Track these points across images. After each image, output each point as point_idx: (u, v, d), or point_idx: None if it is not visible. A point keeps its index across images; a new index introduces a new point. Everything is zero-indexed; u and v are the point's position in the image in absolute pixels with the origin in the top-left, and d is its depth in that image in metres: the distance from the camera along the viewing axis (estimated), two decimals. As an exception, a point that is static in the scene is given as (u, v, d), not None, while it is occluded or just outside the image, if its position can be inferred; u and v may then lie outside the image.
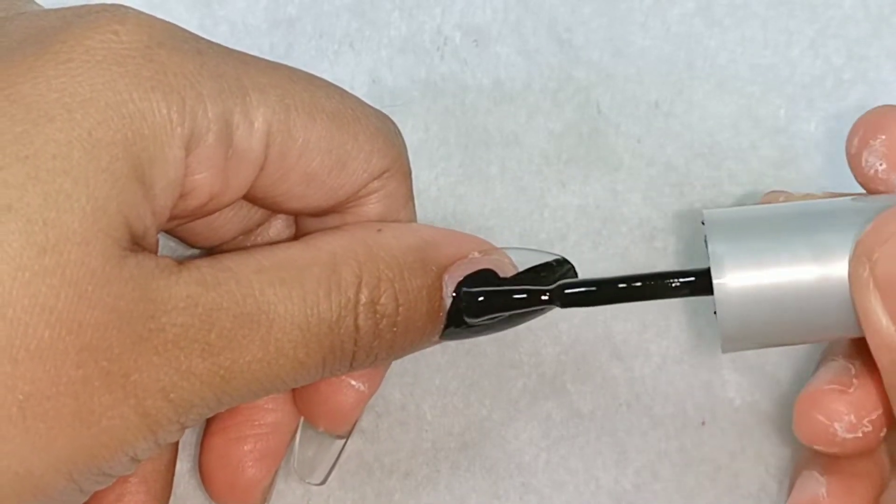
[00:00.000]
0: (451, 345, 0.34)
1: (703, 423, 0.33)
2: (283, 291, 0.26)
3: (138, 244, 0.25)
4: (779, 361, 0.34)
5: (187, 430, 0.33)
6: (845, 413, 0.27)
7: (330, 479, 0.33)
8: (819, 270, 0.26)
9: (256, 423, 0.31)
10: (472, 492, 0.33)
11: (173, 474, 0.32)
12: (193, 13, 0.36)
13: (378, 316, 0.27)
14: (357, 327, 0.26)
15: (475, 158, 0.35)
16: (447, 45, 0.36)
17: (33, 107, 0.23)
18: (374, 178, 0.29)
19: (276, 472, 0.31)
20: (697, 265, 0.33)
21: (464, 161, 0.35)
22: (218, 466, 0.31)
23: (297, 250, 0.27)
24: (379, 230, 0.28)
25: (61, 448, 0.23)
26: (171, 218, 0.27)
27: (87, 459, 0.24)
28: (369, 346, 0.27)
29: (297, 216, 0.31)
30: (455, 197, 0.35)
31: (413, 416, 0.34)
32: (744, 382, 0.33)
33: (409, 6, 0.36)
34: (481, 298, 0.28)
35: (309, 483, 0.32)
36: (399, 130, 0.30)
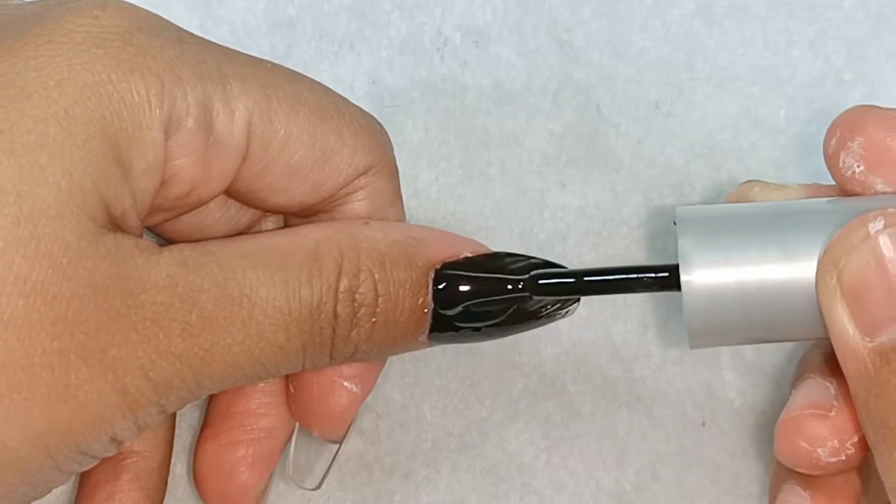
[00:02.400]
0: (451, 345, 0.34)
1: (704, 424, 0.33)
2: (265, 275, 0.26)
3: (119, 227, 0.25)
4: (779, 362, 0.34)
5: (186, 434, 0.33)
6: (828, 438, 0.27)
7: (330, 480, 0.33)
8: (788, 270, 0.26)
9: (249, 427, 0.31)
10: (472, 492, 0.33)
11: (167, 473, 0.31)
12: (193, 13, 0.36)
13: (356, 305, 0.26)
14: (335, 314, 0.26)
15: (475, 159, 0.35)
16: (447, 46, 0.36)
17: (10, 84, 0.24)
18: (360, 175, 0.29)
19: (269, 477, 0.31)
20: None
21: (464, 162, 0.35)
22: (211, 472, 0.31)
23: (281, 237, 0.27)
24: (366, 223, 0.28)
25: (37, 421, 0.23)
26: (156, 210, 0.27)
27: (65, 435, 0.24)
28: (347, 334, 0.27)
29: (285, 216, 0.31)
30: (455, 197, 0.35)
31: (413, 417, 0.34)
32: (744, 383, 0.33)
33: (408, 7, 0.36)
34: (457, 284, 0.28)
35: (303, 488, 0.32)
36: (384, 130, 0.30)
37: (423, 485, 0.33)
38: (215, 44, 0.27)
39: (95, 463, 0.26)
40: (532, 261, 0.29)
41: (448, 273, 0.27)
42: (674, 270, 0.26)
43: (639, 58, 0.35)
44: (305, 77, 0.28)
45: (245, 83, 0.27)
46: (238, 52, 0.27)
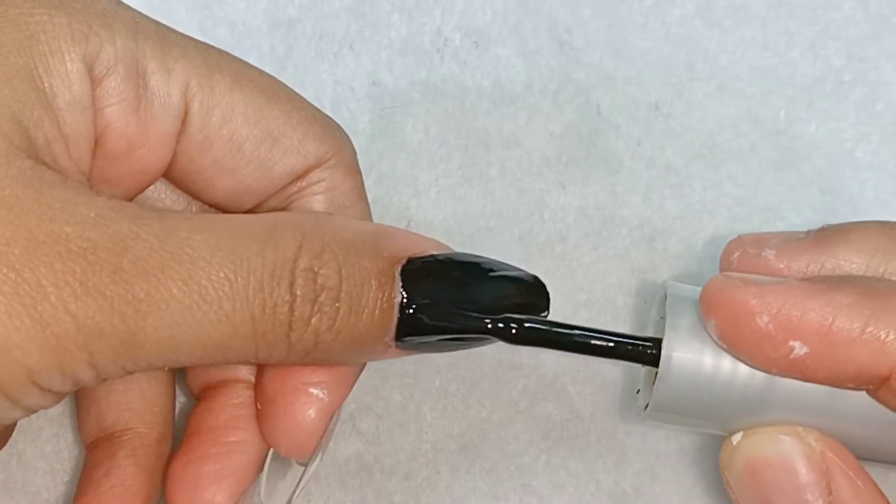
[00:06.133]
0: (451, 346, 0.34)
1: (704, 425, 0.33)
2: (211, 238, 0.24)
3: (47, 165, 0.24)
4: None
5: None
6: None
7: (330, 481, 0.33)
8: (750, 375, 0.27)
9: (217, 441, 0.29)
10: (472, 493, 0.33)
11: (167, 450, 0.31)
12: (193, 14, 0.36)
13: (318, 286, 0.24)
14: (293, 293, 0.24)
15: (475, 160, 0.35)
16: (447, 47, 0.36)
17: None
18: (315, 167, 0.28)
19: (240, 497, 0.29)
20: (696, 271, 0.33)
21: (464, 162, 0.35)
22: (178, 487, 0.29)
23: (239, 215, 0.26)
24: (330, 214, 0.27)
25: None
26: (102, 179, 0.26)
27: None
28: (307, 318, 0.25)
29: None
30: (455, 198, 0.35)
31: (413, 418, 0.34)
32: (744, 384, 0.33)
33: (408, 8, 0.36)
34: (426, 280, 0.26)
35: None
36: (343, 129, 0.29)
37: (422, 486, 0.33)
38: (158, 21, 0.27)
39: (22, 414, 0.24)
40: (505, 272, 0.27)
41: (416, 268, 0.26)
42: (655, 345, 0.27)
43: (639, 58, 0.35)
44: (258, 68, 0.28)
45: (185, 51, 0.26)
46: (185, 34, 0.27)
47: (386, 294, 0.25)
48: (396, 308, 0.26)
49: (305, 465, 0.29)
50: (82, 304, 0.22)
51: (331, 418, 0.28)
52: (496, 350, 0.34)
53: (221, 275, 0.24)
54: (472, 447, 0.33)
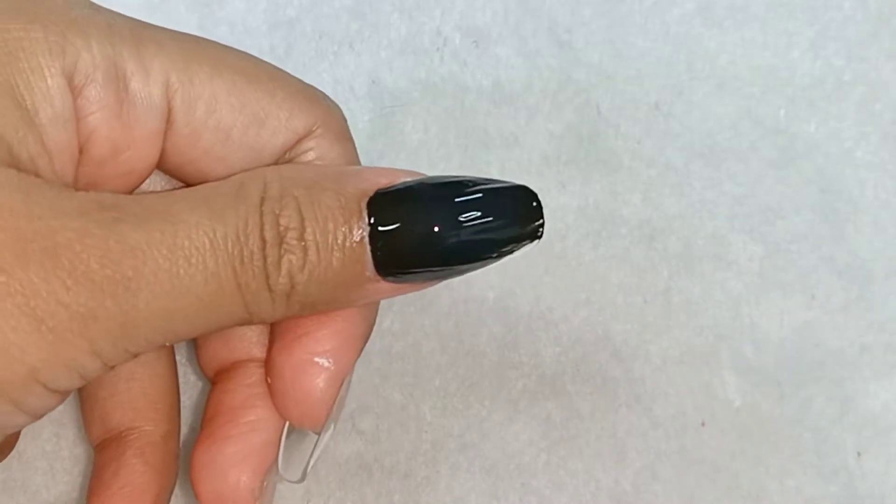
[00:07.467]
0: (451, 345, 0.34)
1: (703, 424, 0.33)
2: (189, 204, 0.24)
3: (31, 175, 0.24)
4: (779, 362, 0.34)
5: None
6: None
7: (330, 480, 0.33)
8: None
9: (237, 422, 0.29)
10: (471, 493, 0.33)
11: (175, 447, 0.31)
12: (193, 14, 0.36)
13: (282, 228, 0.25)
14: (262, 238, 0.25)
15: (475, 159, 0.35)
16: (447, 47, 0.36)
17: None
18: (303, 138, 0.28)
19: (264, 475, 0.30)
20: (697, 267, 0.33)
21: (463, 162, 0.35)
22: (203, 471, 0.29)
23: (209, 183, 0.26)
24: (298, 164, 0.27)
25: None
26: (90, 185, 0.26)
27: None
28: (278, 261, 0.25)
29: None
30: (455, 198, 0.35)
31: (413, 417, 0.34)
32: (744, 383, 0.33)
33: (408, 7, 0.36)
34: (394, 208, 0.25)
35: (287, 481, 0.31)
36: (330, 98, 0.29)
37: (422, 485, 0.33)
38: (132, 17, 0.27)
39: (27, 420, 0.24)
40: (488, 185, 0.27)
41: (386, 197, 0.26)
42: None
43: (639, 58, 0.35)
44: (235, 49, 0.28)
45: (161, 46, 0.26)
46: (159, 26, 0.27)
47: (353, 226, 0.25)
48: (366, 239, 0.25)
49: (319, 434, 0.29)
50: (73, 293, 0.23)
51: (340, 386, 0.28)
52: (496, 349, 0.34)
53: (201, 233, 0.24)
54: (471, 446, 0.33)
